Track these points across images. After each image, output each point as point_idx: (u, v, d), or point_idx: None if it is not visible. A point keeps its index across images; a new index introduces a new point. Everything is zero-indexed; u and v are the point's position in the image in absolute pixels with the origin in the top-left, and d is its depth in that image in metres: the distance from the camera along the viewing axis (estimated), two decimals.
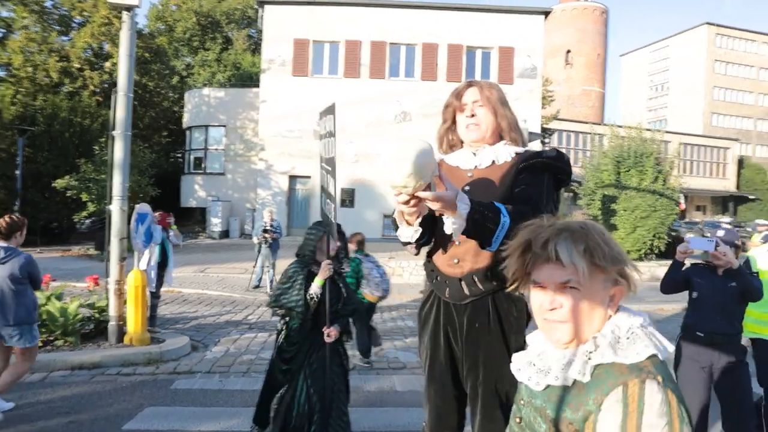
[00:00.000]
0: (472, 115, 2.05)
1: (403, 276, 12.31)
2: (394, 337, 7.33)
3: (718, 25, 50.97)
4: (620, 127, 15.28)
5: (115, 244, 6.21)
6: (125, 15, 6.20)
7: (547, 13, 20.83)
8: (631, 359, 1.09)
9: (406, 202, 1.65)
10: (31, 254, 4.41)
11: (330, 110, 2.82)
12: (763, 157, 48.95)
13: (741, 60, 51.40)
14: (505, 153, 2.04)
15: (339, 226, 3.33)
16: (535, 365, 1.22)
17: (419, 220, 1.82)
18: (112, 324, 6.11)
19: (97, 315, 6.43)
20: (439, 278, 2.06)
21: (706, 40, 50.33)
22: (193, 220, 24.24)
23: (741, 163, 42.29)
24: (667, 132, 28.27)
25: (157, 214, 7.18)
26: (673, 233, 14.72)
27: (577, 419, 1.09)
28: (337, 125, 2.81)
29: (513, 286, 1.26)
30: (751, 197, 40.67)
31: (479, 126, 2.05)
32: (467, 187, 1.98)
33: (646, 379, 1.05)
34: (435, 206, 1.65)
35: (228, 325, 7.80)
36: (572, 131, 36.01)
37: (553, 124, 29.24)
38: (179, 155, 27.92)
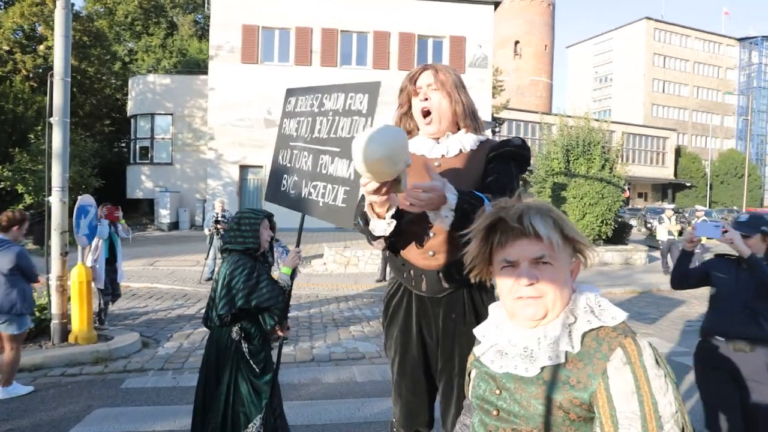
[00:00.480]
0: (426, 99, 1.99)
1: (358, 266, 12.26)
2: (352, 326, 7.28)
3: (657, 20, 53.13)
4: (569, 117, 15.69)
5: (56, 238, 5.87)
6: None
7: (497, 4, 21.08)
8: (612, 322, 1.13)
9: (377, 191, 1.58)
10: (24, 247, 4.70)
11: (369, 89, 2.45)
12: (698, 146, 51.64)
13: (678, 54, 53.83)
14: (470, 141, 2.01)
15: (272, 215, 3.12)
16: (509, 353, 1.19)
17: (391, 212, 1.75)
18: (54, 323, 5.79)
19: (37, 313, 6.06)
20: (412, 272, 1.98)
21: (645, 34, 52.39)
22: (140, 211, 23.34)
23: (678, 152, 44.50)
24: (612, 122, 29.33)
25: (104, 207, 6.83)
26: (619, 219, 15.32)
27: (581, 394, 1.09)
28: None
29: (474, 272, 1.25)
30: (687, 184, 42.90)
31: (432, 111, 1.99)
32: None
33: (635, 337, 1.10)
34: (424, 197, 1.60)
35: (180, 320, 7.54)
36: (521, 120, 36.82)
37: (503, 114, 29.81)
38: (124, 145, 26.75)
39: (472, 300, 1.96)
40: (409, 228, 1.92)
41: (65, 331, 5.81)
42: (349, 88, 2.56)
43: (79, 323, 5.79)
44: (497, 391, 1.20)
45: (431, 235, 1.91)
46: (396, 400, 2.09)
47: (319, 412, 4.32)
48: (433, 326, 1.98)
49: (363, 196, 1.79)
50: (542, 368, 1.14)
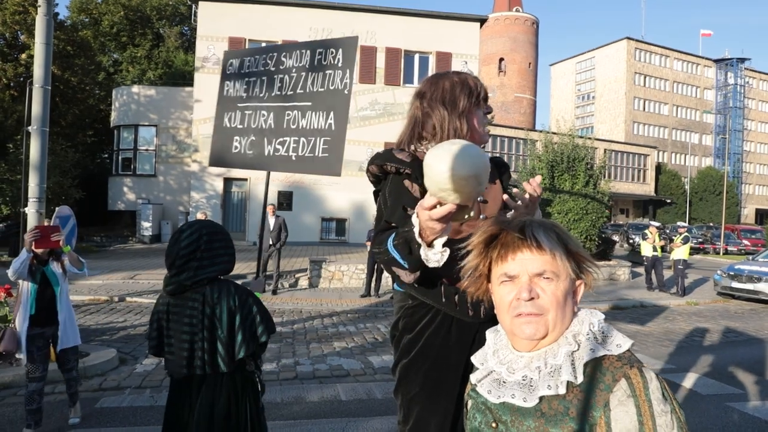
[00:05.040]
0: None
1: (342, 280, 12.13)
2: (336, 342, 7.15)
3: (637, 41, 54.32)
4: (555, 134, 15.86)
5: None
6: None
7: (483, 21, 21.35)
8: (617, 351, 1.06)
9: (444, 217, 1.41)
10: None
11: (343, 44, 2.66)
12: (677, 164, 52.60)
13: (657, 74, 55.01)
14: None
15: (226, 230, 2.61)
16: (507, 382, 1.11)
17: (444, 239, 1.54)
18: None
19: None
20: (466, 296, 1.73)
21: (626, 53, 53.49)
22: (122, 224, 23.00)
23: (659, 169, 45.22)
24: (595, 139, 29.76)
25: (34, 230, 3.99)
26: (603, 235, 15.43)
27: (582, 426, 1.01)
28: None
29: (471, 289, 1.17)
30: (667, 201, 43.56)
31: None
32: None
33: (641, 367, 1.02)
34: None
35: None
36: (506, 137, 37.15)
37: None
38: (106, 156, 26.43)
39: None
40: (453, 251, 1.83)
41: None
42: (315, 45, 2.68)
43: None
44: (494, 424, 1.12)
45: None
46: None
47: None
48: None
49: (404, 223, 1.59)
50: (541, 398, 1.05)
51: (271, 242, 10.79)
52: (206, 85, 19.21)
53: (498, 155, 37.78)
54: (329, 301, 10.24)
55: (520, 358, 1.12)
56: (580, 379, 1.03)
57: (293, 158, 2.67)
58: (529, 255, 1.08)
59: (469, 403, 1.21)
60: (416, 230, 1.49)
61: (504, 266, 1.10)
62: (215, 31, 19.20)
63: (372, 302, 10.20)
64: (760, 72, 60.64)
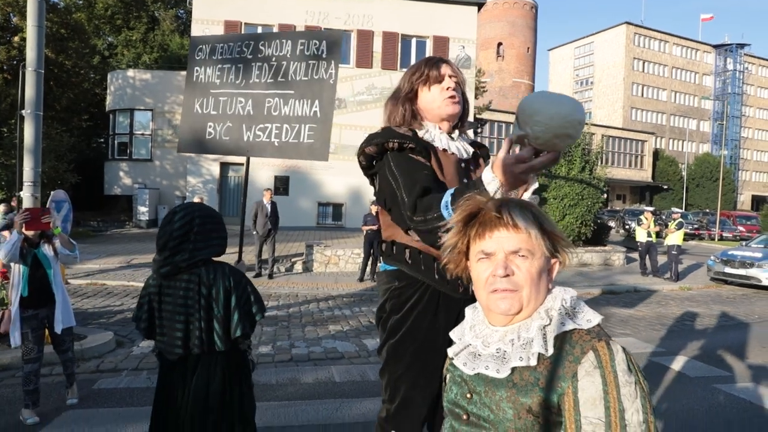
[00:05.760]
0: (453, 88, 1.94)
1: (339, 264, 12.20)
2: (332, 326, 7.22)
3: (637, 25, 53.96)
4: None
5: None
6: None
7: (480, 5, 21.17)
8: (587, 325, 1.10)
9: (544, 166, 1.42)
10: None
11: (327, 36, 2.80)
12: (675, 150, 52.61)
13: (656, 59, 54.75)
14: (468, 144, 2.06)
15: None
16: (482, 355, 1.16)
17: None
18: None
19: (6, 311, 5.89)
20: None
21: (625, 38, 53.17)
22: (118, 208, 22.96)
23: (656, 155, 45.25)
24: (592, 125, 29.70)
25: (24, 212, 4.09)
26: (599, 221, 15.50)
27: (550, 396, 1.05)
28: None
29: (450, 266, 1.21)
30: (664, 187, 43.66)
31: (458, 102, 1.96)
32: (465, 180, 1.93)
33: (609, 341, 1.07)
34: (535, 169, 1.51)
35: None
36: (503, 122, 37.08)
37: (485, 115, 29.98)
38: (102, 140, 26.30)
39: None
40: None
41: None
42: (297, 35, 2.78)
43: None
44: (468, 395, 1.17)
45: None
46: (403, 408, 1.92)
47: (296, 413, 4.27)
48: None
49: (471, 184, 1.57)
50: (513, 370, 1.10)
51: (269, 226, 10.83)
52: None
53: (495, 140, 37.35)
54: (325, 285, 10.31)
55: (495, 332, 1.16)
56: (551, 351, 1.08)
57: (276, 144, 2.74)
58: (505, 233, 1.12)
59: (447, 376, 1.26)
60: (496, 187, 1.49)
61: (481, 244, 1.14)
62: (211, 14, 19.02)
63: (367, 286, 10.28)
64: (759, 58, 60.41)
